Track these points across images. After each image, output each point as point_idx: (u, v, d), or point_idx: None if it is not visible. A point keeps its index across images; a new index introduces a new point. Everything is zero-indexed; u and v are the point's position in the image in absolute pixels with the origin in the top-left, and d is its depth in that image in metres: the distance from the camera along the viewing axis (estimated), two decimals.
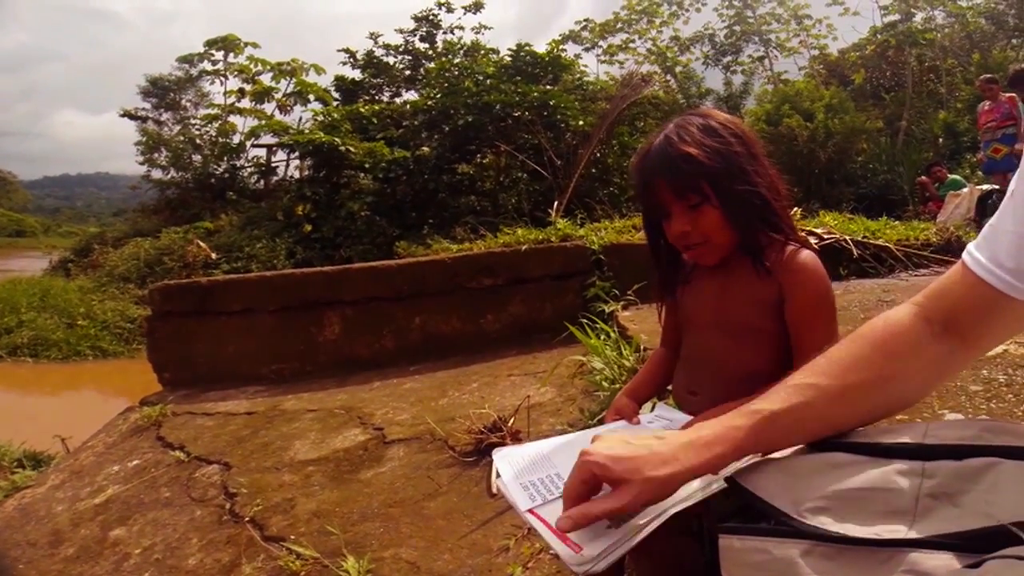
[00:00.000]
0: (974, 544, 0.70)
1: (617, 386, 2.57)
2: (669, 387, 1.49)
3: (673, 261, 1.42)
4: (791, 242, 1.29)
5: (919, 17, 20.30)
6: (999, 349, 2.05)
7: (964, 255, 0.87)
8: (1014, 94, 8.26)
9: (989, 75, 9.33)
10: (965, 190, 8.43)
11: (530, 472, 1.11)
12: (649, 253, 1.44)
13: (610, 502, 0.85)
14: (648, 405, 1.49)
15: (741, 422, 0.89)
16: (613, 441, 0.90)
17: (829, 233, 4.42)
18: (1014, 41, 19.62)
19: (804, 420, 0.88)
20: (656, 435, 0.91)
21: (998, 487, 0.77)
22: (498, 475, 1.14)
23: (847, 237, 4.37)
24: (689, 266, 1.42)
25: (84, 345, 13.08)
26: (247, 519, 2.51)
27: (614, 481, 0.86)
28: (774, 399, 0.89)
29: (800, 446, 1.00)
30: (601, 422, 1.52)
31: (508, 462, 1.15)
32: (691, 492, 1.00)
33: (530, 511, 1.04)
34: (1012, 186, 0.82)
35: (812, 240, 3.36)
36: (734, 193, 1.25)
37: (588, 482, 0.88)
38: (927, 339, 0.89)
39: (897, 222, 5.45)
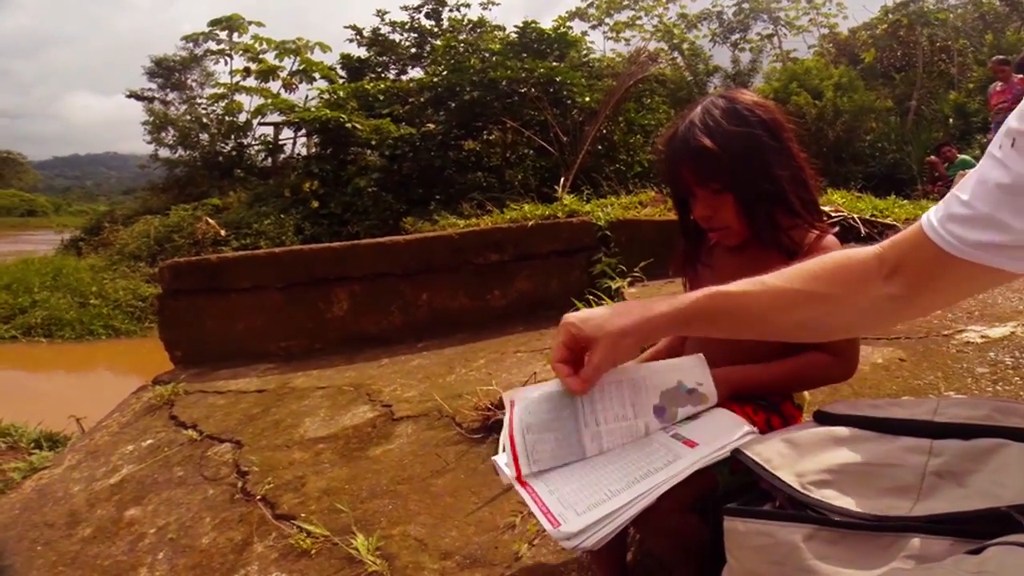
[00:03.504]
0: (976, 528, 0.71)
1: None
2: None
3: (698, 236, 1.43)
4: (815, 227, 1.30)
5: None
6: (1006, 331, 2.05)
7: (923, 215, 0.89)
8: None
9: (1002, 56, 9.22)
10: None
11: (536, 429, 1.09)
12: (678, 227, 1.46)
13: (591, 362, 1.00)
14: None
15: (693, 294, 1.00)
16: (586, 310, 1.06)
17: (837, 211, 4.40)
18: None
19: (741, 304, 0.97)
20: (628, 302, 1.05)
21: (1005, 469, 0.77)
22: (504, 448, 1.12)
23: (855, 215, 4.35)
24: (712, 242, 1.43)
25: (97, 324, 13.17)
26: (258, 497, 2.54)
27: (585, 339, 1.00)
28: (731, 284, 0.99)
29: (810, 422, 1.01)
30: None
31: (519, 413, 1.11)
32: (686, 465, 1.01)
33: (519, 480, 1.06)
34: (980, 162, 0.83)
35: None
36: (752, 183, 1.26)
37: (567, 344, 1.03)
38: (876, 276, 0.92)
39: (905, 201, 5.41)
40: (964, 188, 0.83)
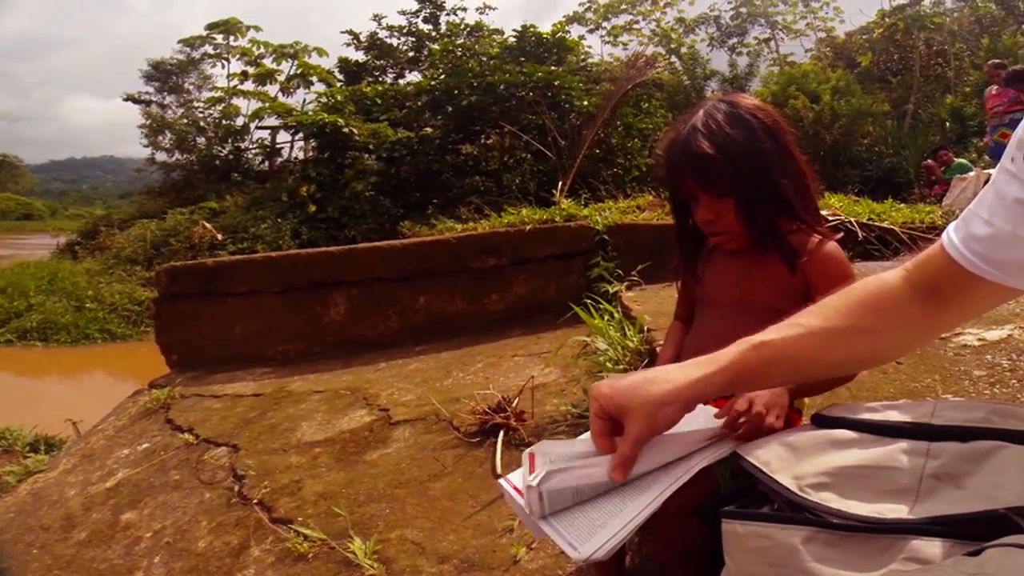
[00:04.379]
0: (974, 530, 0.71)
1: (621, 367, 2.58)
2: None
3: (697, 240, 1.43)
4: (817, 231, 1.30)
5: (928, 0, 20.10)
6: (1003, 334, 2.05)
7: (944, 234, 0.90)
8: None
9: (997, 60, 9.26)
10: (971, 174, 8.36)
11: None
12: (675, 231, 1.47)
13: (629, 435, 0.92)
14: None
15: (731, 348, 0.95)
16: (615, 376, 0.99)
17: (834, 215, 4.40)
18: None
19: (788, 353, 0.93)
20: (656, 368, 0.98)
21: (1003, 471, 0.77)
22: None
23: (852, 219, 4.36)
24: (712, 245, 1.43)
25: (93, 328, 13.13)
26: (255, 501, 2.53)
27: (617, 408, 0.92)
28: (766, 331, 0.95)
29: (808, 425, 1.01)
30: None
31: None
32: (687, 469, 1.00)
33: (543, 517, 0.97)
34: (993, 174, 0.83)
35: None
36: (754, 188, 1.26)
37: (600, 415, 0.95)
38: (910, 301, 0.93)
39: (903, 205, 5.42)
40: (982, 205, 0.83)
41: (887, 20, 19.90)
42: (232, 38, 22.01)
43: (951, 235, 0.88)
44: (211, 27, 22.19)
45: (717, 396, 0.95)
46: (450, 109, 15.63)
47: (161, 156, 22.01)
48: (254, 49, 21.57)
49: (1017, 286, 0.81)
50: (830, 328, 0.93)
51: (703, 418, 1.08)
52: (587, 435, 1.02)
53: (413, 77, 20.69)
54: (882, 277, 0.96)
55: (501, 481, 1.11)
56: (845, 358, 0.97)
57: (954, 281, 0.87)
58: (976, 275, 0.84)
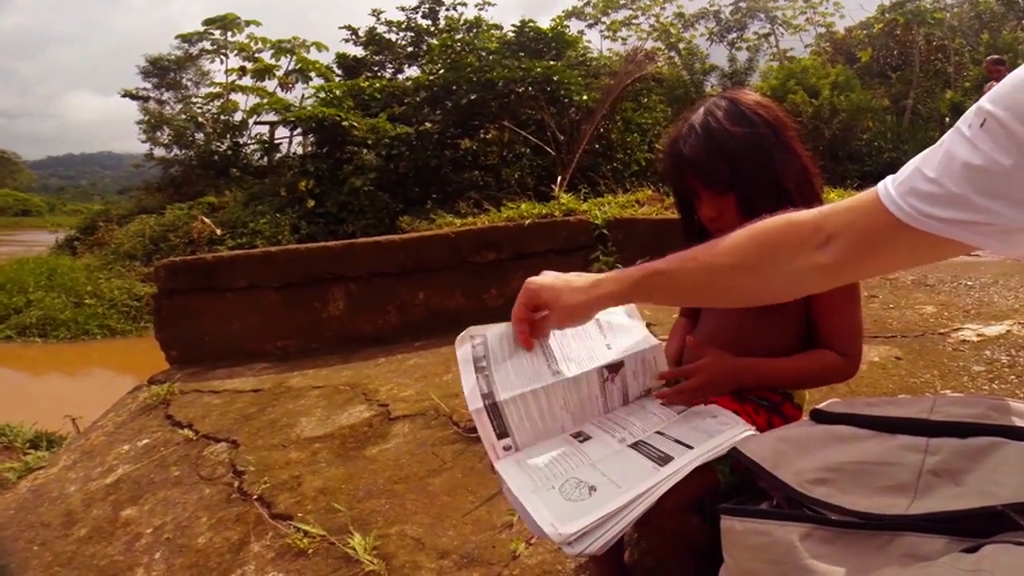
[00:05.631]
0: (972, 526, 0.71)
1: None
2: None
3: (702, 236, 1.43)
4: None
5: None
6: (1002, 329, 2.05)
7: (879, 185, 0.89)
8: None
9: (996, 56, 9.26)
10: None
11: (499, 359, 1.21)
12: (681, 227, 1.47)
13: (543, 323, 1.17)
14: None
15: (633, 272, 1.09)
16: (549, 274, 1.17)
17: None
18: None
19: (679, 281, 1.05)
20: (582, 275, 1.14)
21: (1001, 467, 0.77)
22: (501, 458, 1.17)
23: None
24: None
25: (92, 324, 13.15)
26: (255, 497, 2.53)
27: (542, 304, 1.14)
28: (665, 260, 1.06)
29: (807, 420, 1.01)
30: None
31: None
32: (685, 463, 1.01)
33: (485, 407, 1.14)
34: (947, 136, 0.82)
35: None
36: (755, 184, 1.26)
37: (527, 305, 1.16)
38: (808, 247, 0.93)
39: None
40: (929, 163, 0.82)
41: (887, 15, 19.89)
42: (230, 33, 21.98)
43: (888, 187, 0.87)
44: (209, 22, 22.15)
45: (613, 306, 1.15)
46: (449, 104, 15.62)
47: (159, 152, 22.03)
48: (252, 44, 21.57)
49: (953, 237, 0.80)
50: (714, 263, 1.00)
51: (724, 423, 1.13)
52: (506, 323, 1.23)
53: (412, 72, 20.70)
54: (792, 216, 0.97)
55: (497, 466, 1.14)
56: (722, 291, 1.04)
57: (884, 231, 0.86)
58: (907, 224, 0.82)
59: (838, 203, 0.94)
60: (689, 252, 1.04)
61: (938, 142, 0.83)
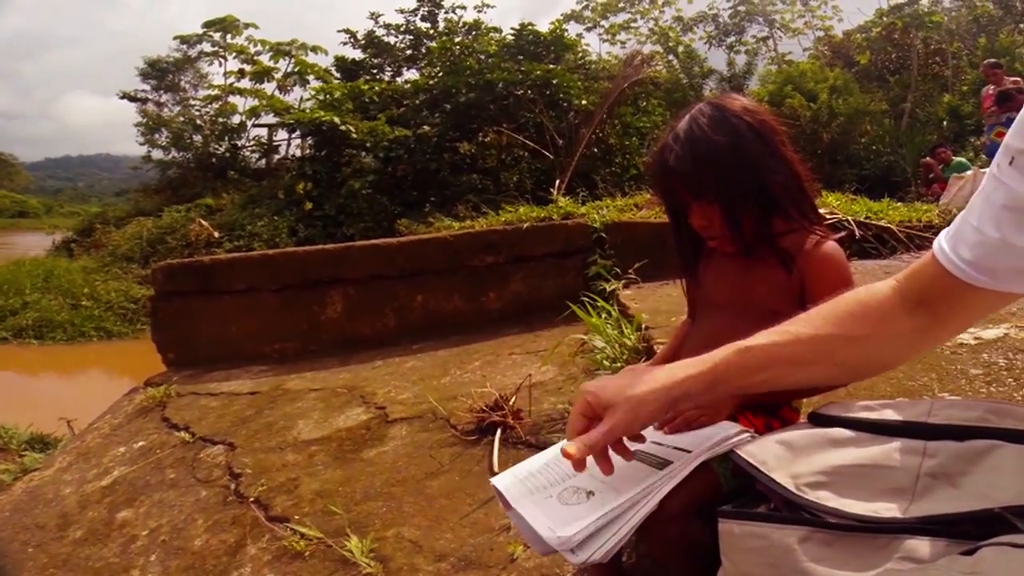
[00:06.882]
0: (969, 529, 0.71)
1: (619, 365, 2.57)
2: None
3: (693, 242, 1.42)
4: (814, 231, 1.29)
5: (926, 0, 20.15)
6: (1000, 332, 2.05)
7: (935, 243, 0.90)
8: (1018, 79, 8.23)
9: (993, 60, 9.30)
10: (969, 172, 8.37)
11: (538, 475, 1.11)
12: (672, 235, 1.45)
13: (604, 425, 0.93)
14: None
15: (718, 351, 0.95)
16: (605, 377, 1.02)
17: (832, 213, 4.40)
18: (1021, 26, 19.38)
19: (775, 358, 0.94)
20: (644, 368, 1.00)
21: (998, 470, 0.77)
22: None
23: (849, 218, 4.36)
24: (710, 247, 1.43)
25: (88, 326, 13.13)
26: (251, 499, 2.53)
27: (604, 405, 0.93)
28: (755, 336, 0.96)
29: (804, 423, 1.01)
30: None
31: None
32: (682, 464, 1.00)
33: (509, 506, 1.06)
34: (983, 181, 0.83)
35: None
36: (739, 193, 1.25)
37: (585, 413, 0.96)
38: (901, 312, 0.93)
39: (900, 204, 5.42)
40: (972, 212, 0.83)
41: (885, 19, 19.97)
42: (229, 36, 21.94)
43: (942, 244, 0.87)
44: (208, 25, 22.12)
45: (702, 397, 0.95)
46: (448, 107, 15.64)
47: (157, 154, 21.94)
48: (251, 47, 21.53)
49: (1009, 291, 0.81)
50: (818, 336, 0.94)
51: (719, 427, 1.10)
52: (549, 450, 1.10)
53: (411, 75, 20.70)
54: (872, 287, 0.96)
55: (493, 481, 1.13)
56: (833, 367, 0.97)
57: (947, 291, 0.87)
58: (968, 284, 0.83)
59: (907, 269, 0.94)
60: (776, 329, 0.96)
61: (979, 187, 0.84)
